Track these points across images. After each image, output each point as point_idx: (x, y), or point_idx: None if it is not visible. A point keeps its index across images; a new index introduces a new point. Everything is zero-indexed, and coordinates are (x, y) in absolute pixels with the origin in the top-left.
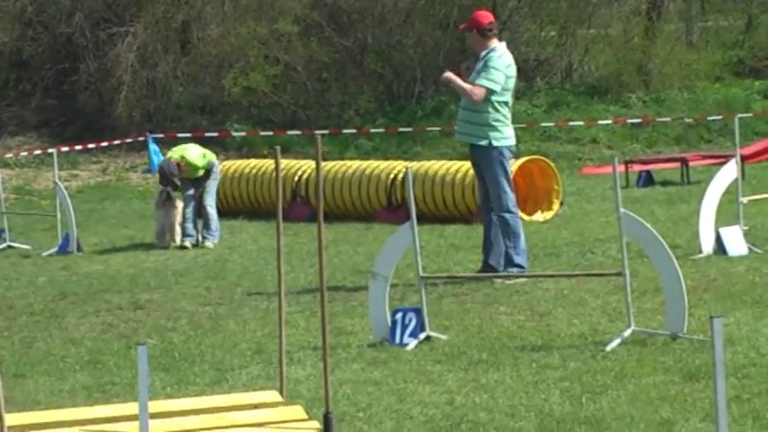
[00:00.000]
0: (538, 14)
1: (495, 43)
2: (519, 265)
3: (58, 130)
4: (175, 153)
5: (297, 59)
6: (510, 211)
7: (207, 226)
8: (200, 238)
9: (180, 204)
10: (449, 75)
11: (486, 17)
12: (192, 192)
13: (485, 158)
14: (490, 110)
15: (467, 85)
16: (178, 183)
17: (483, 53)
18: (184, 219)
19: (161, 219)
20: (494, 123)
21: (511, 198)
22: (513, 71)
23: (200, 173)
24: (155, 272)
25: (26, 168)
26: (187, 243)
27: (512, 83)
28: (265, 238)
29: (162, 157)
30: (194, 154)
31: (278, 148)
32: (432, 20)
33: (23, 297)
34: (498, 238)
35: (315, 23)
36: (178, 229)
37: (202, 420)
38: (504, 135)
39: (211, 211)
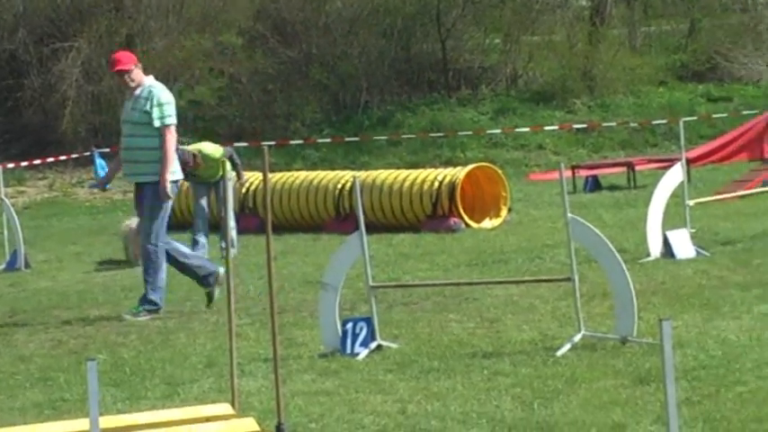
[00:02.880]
0: (482, 22)
1: (151, 79)
2: (152, 302)
3: (3, 146)
4: (192, 147)
5: (242, 71)
6: (155, 244)
7: (226, 241)
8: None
9: None
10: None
11: (133, 55)
12: (204, 200)
13: (154, 193)
14: (159, 145)
15: (169, 145)
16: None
17: (142, 90)
18: (196, 232)
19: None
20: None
21: (162, 232)
22: None
23: (218, 171)
24: (103, 287)
25: None
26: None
27: None
28: (215, 251)
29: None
30: (210, 148)
31: (225, 161)
32: (376, 30)
33: None
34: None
35: (259, 35)
36: None
37: None
38: (175, 168)
39: (233, 223)
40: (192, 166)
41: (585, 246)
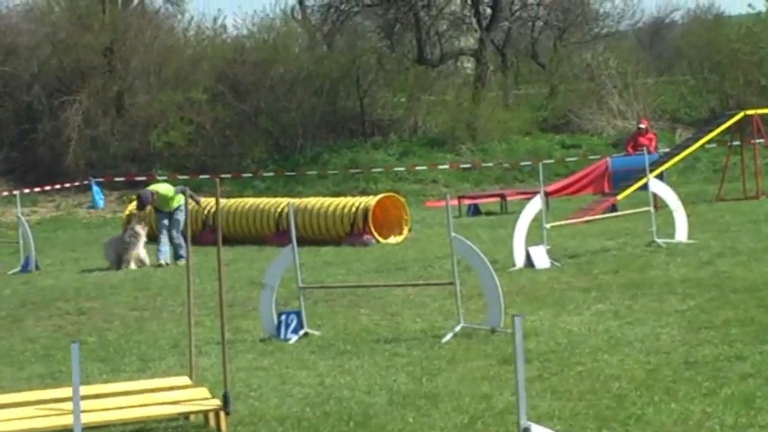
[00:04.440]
0: (391, 85)
1: None
2: None
3: (20, 176)
4: (151, 187)
5: (206, 120)
6: None
7: (176, 251)
8: (169, 261)
9: (143, 235)
10: None
11: None
12: (165, 221)
13: None
14: None
15: None
16: (148, 207)
17: None
18: (160, 243)
19: (122, 248)
20: None
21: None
22: None
23: (172, 204)
24: (95, 285)
25: None
26: (162, 261)
27: None
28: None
29: (103, 197)
30: (164, 188)
31: (187, 188)
32: (309, 89)
33: None
34: None
35: (220, 92)
36: (141, 254)
37: (130, 400)
38: None
39: (179, 241)
40: (150, 203)
41: (465, 257)
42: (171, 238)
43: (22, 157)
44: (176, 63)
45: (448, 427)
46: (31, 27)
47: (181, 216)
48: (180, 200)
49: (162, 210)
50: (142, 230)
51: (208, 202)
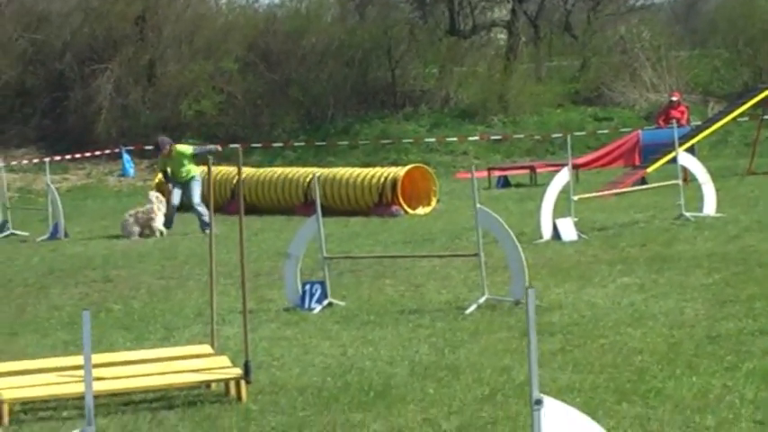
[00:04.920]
0: (423, 56)
1: None
2: None
3: (52, 143)
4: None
5: (237, 90)
6: None
7: (200, 221)
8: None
9: (160, 203)
10: None
11: None
12: (177, 191)
13: None
14: None
15: None
16: (162, 153)
17: None
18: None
19: (144, 219)
20: None
21: None
22: None
23: (185, 170)
24: (123, 254)
25: (27, 173)
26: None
27: None
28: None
29: (133, 165)
30: (183, 146)
31: (210, 157)
32: (341, 59)
33: (20, 273)
34: None
35: (251, 62)
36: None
37: (151, 367)
38: None
39: (199, 208)
40: (165, 154)
41: (490, 229)
42: (192, 209)
43: (53, 125)
44: (208, 32)
45: (468, 398)
46: None
47: (196, 185)
48: (194, 171)
49: (176, 178)
50: (158, 199)
51: (236, 172)
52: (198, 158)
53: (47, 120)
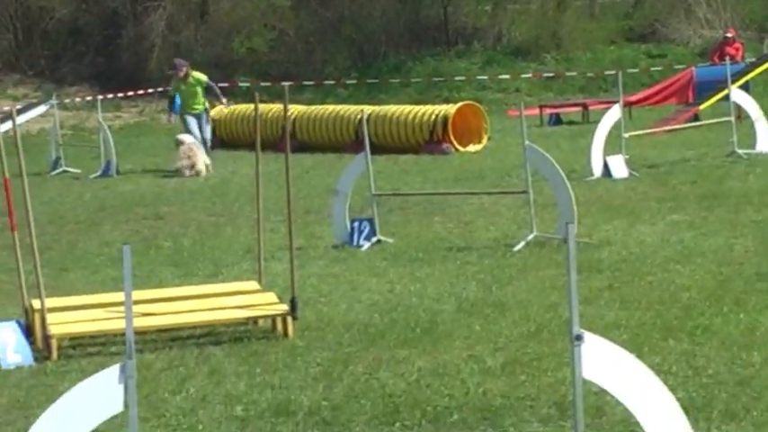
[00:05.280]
0: None
1: None
2: None
3: (104, 81)
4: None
5: (289, 27)
6: None
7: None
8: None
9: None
10: None
11: None
12: (194, 124)
13: None
14: None
15: None
16: (177, 74)
17: None
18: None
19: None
20: None
21: None
22: None
23: (198, 101)
24: (174, 191)
25: (80, 111)
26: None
27: None
28: (261, 165)
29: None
30: (198, 74)
31: (257, 94)
32: None
33: (72, 210)
34: None
35: None
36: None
37: (198, 303)
38: None
39: (209, 144)
40: (181, 77)
41: (539, 167)
42: (204, 142)
43: (106, 63)
44: None
45: (514, 335)
46: None
47: (207, 121)
48: (205, 103)
49: (186, 108)
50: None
51: (289, 109)
52: (207, 93)
53: (99, 57)
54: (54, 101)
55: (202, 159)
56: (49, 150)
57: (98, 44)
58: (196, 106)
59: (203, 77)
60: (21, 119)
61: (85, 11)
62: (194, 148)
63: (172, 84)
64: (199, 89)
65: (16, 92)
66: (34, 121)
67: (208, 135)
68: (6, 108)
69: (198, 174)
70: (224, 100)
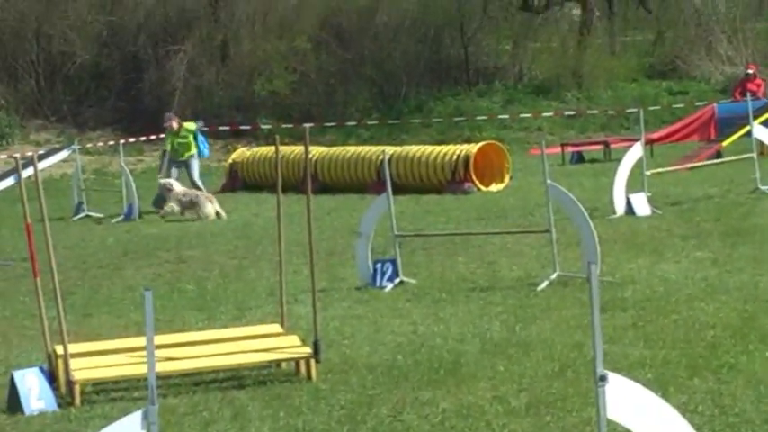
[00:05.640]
0: (496, 32)
1: None
2: None
3: (126, 125)
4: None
5: (310, 69)
6: None
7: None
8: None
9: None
10: None
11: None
12: (176, 171)
13: None
14: None
15: None
16: (170, 127)
17: None
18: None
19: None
20: None
21: None
22: None
23: (187, 149)
24: (196, 234)
25: (102, 155)
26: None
27: None
28: (283, 207)
29: (208, 146)
30: (188, 123)
31: (277, 137)
32: (414, 37)
33: (95, 254)
34: None
35: (324, 40)
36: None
37: (221, 347)
38: None
39: (199, 183)
40: (174, 131)
41: (561, 205)
42: (193, 185)
43: (128, 107)
44: (281, 11)
45: (538, 375)
46: None
47: (195, 162)
48: (194, 148)
49: (177, 156)
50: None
51: (310, 151)
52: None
53: (121, 101)
54: (76, 146)
55: (211, 207)
56: (72, 195)
57: (120, 88)
58: (184, 153)
59: (192, 126)
60: (43, 164)
61: (107, 55)
62: (200, 196)
63: (165, 138)
64: (191, 138)
65: (39, 137)
66: (57, 166)
67: (196, 176)
68: (29, 153)
69: (206, 217)
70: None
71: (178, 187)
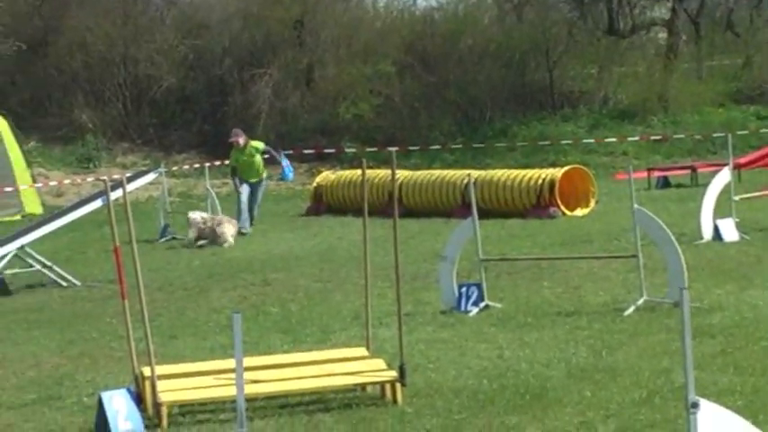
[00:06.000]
0: (581, 56)
1: None
2: None
3: (212, 149)
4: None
5: (394, 92)
6: None
7: (251, 221)
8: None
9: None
10: None
11: None
12: (246, 193)
13: None
14: None
15: None
16: (236, 143)
17: None
18: (240, 212)
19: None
20: None
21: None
22: None
23: (256, 170)
24: (281, 257)
25: (188, 178)
26: (244, 230)
27: None
28: (367, 231)
29: (292, 169)
30: (256, 142)
31: (364, 160)
32: (499, 61)
33: (180, 277)
34: None
35: (408, 64)
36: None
37: (307, 370)
38: None
39: (256, 211)
40: (240, 147)
41: (648, 230)
42: (251, 210)
43: (213, 130)
44: (365, 35)
45: (625, 401)
46: (222, 1)
47: (262, 189)
48: (264, 172)
49: (245, 176)
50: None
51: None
52: (267, 160)
53: (207, 125)
54: (162, 169)
55: (229, 230)
56: (158, 218)
57: (205, 112)
58: (252, 173)
59: (261, 145)
60: (130, 187)
61: (193, 79)
62: (223, 220)
63: (231, 154)
64: (257, 158)
65: (125, 160)
66: (143, 189)
67: (257, 204)
68: (116, 176)
69: (224, 243)
70: (281, 158)
71: (197, 215)
